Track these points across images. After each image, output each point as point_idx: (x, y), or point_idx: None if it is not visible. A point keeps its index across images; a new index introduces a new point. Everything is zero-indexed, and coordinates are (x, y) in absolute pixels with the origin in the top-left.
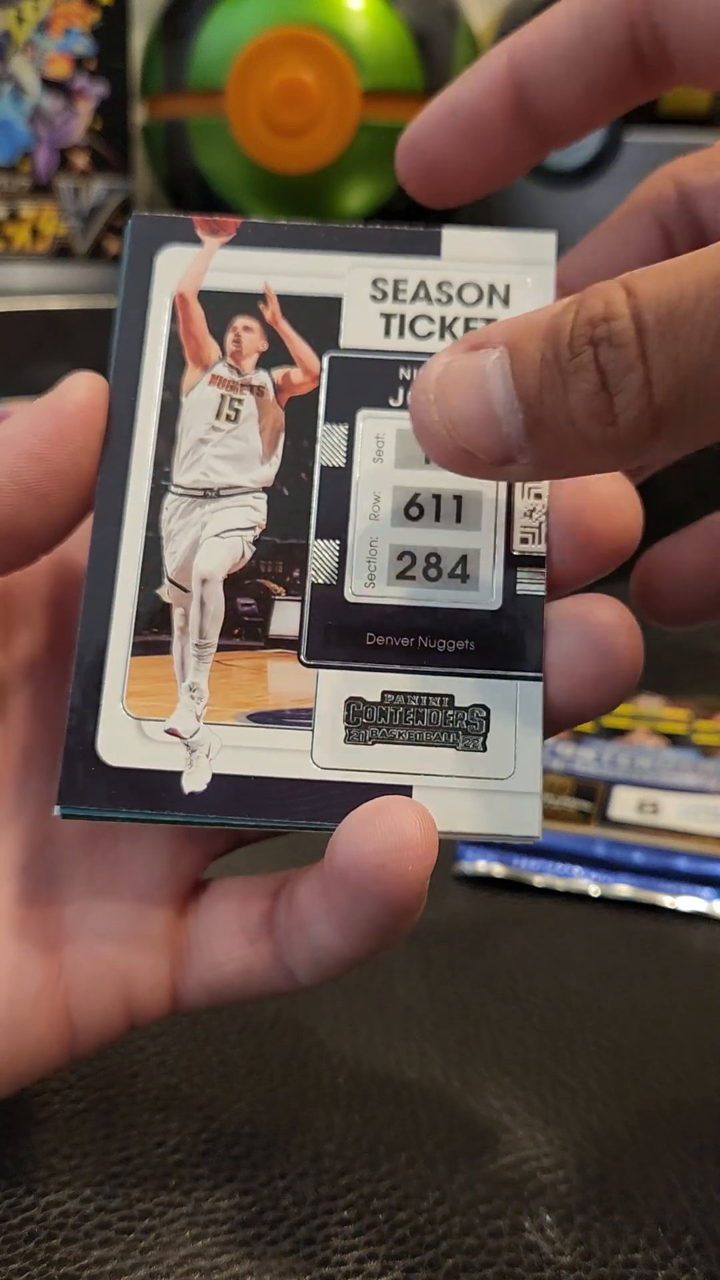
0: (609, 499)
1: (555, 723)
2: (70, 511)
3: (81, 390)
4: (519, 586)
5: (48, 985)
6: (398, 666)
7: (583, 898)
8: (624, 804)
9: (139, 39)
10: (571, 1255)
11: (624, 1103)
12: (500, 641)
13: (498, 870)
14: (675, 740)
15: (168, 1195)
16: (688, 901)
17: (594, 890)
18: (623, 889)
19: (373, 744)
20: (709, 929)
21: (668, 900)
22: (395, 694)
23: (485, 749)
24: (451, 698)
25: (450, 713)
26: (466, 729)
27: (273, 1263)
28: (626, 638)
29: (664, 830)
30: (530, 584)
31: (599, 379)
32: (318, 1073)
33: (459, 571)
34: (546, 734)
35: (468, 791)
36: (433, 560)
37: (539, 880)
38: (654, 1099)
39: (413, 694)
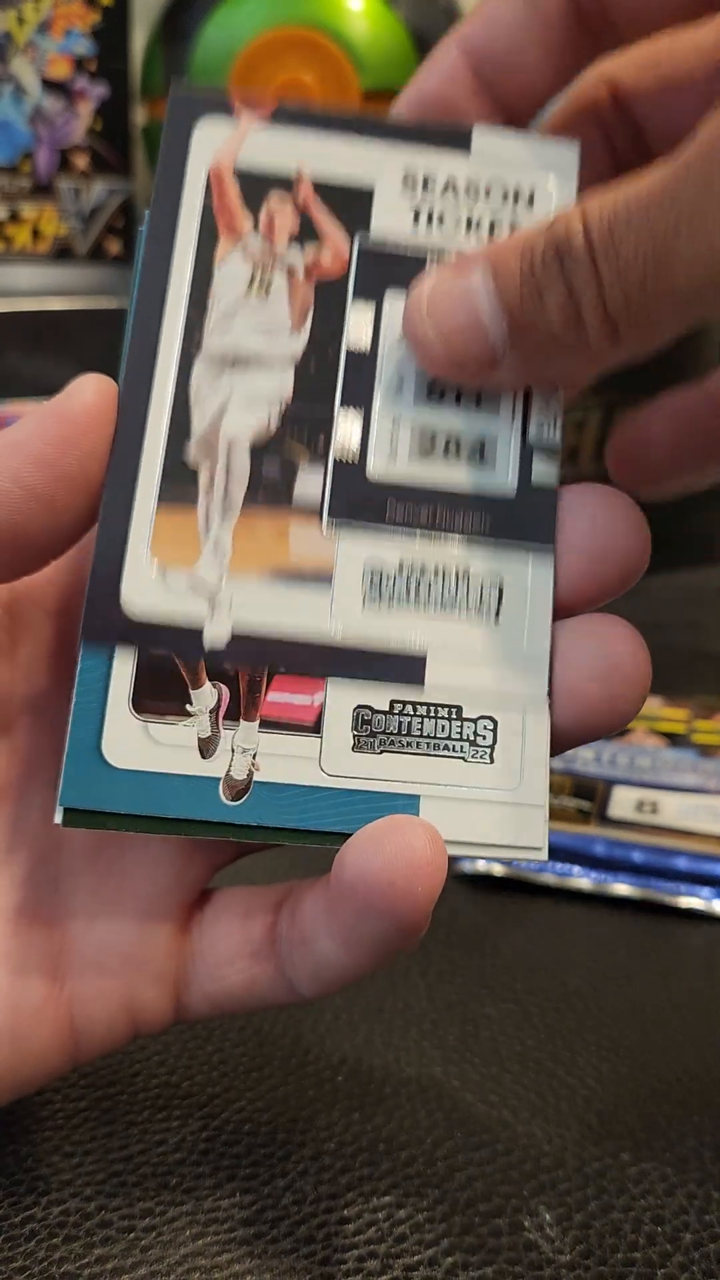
0: (620, 523)
1: (562, 742)
2: (77, 517)
3: (89, 393)
4: (534, 476)
5: (51, 995)
6: (414, 530)
7: (582, 897)
8: (623, 803)
9: (139, 40)
10: (571, 1254)
11: (623, 1101)
12: (513, 525)
13: (497, 869)
14: (674, 740)
15: (169, 1194)
16: (687, 901)
17: (593, 889)
18: (622, 888)
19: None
20: (708, 928)
21: (667, 899)
22: (404, 703)
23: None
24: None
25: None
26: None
27: (273, 1261)
28: (634, 661)
29: (663, 829)
30: (544, 475)
31: (566, 289)
32: (318, 1071)
33: (477, 454)
34: (553, 752)
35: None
36: (452, 442)
37: (538, 879)
38: (653, 1098)
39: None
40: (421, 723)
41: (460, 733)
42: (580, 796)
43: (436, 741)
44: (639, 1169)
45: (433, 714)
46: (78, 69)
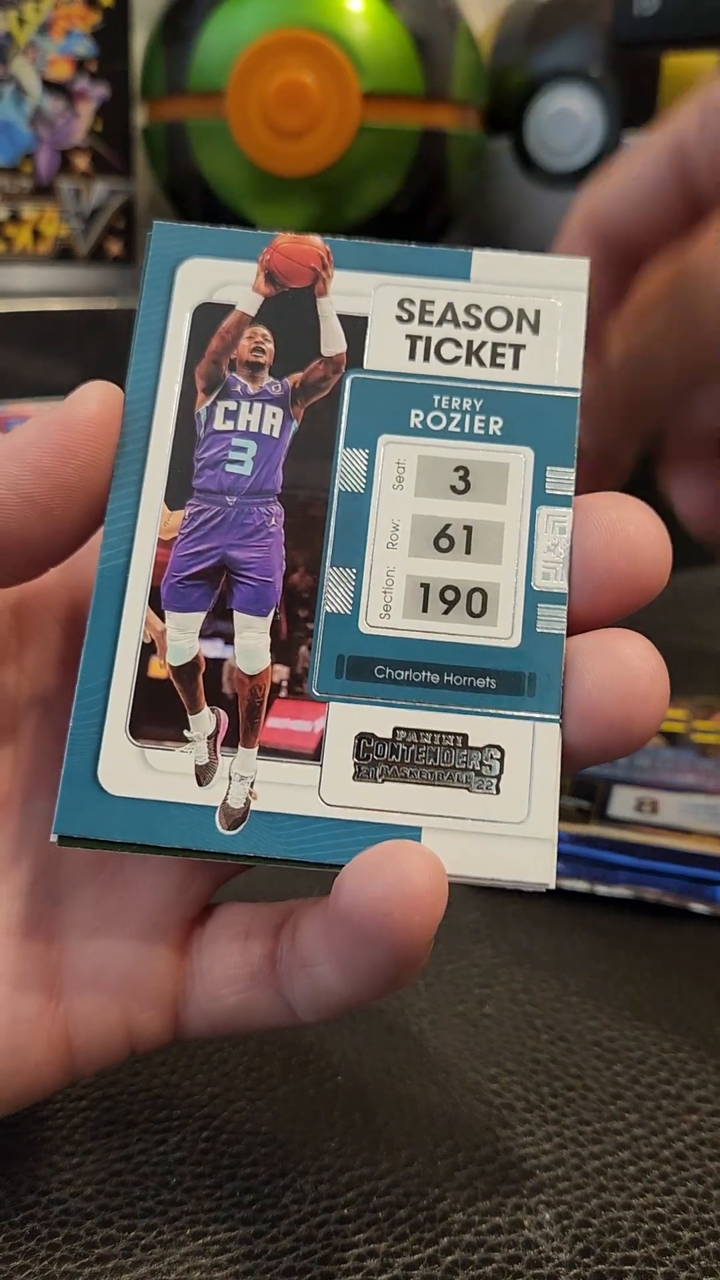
0: (637, 538)
1: (574, 764)
2: (77, 526)
3: (93, 403)
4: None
5: (48, 1010)
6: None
7: (581, 896)
8: (623, 802)
9: (140, 41)
10: (570, 1252)
11: (621, 1100)
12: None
13: None
14: (673, 739)
15: (169, 1193)
16: (687, 900)
17: (592, 889)
18: (621, 887)
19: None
20: (708, 927)
21: (667, 899)
22: (408, 730)
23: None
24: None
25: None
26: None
27: (273, 1260)
28: (650, 678)
29: (663, 828)
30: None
31: None
32: (318, 1071)
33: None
34: (566, 774)
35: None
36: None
37: None
38: (651, 1096)
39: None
40: (425, 751)
41: (466, 762)
42: (580, 796)
43: (440, 771)
44: (638, 1167)
45: (437, 742)
46: (78, 70)
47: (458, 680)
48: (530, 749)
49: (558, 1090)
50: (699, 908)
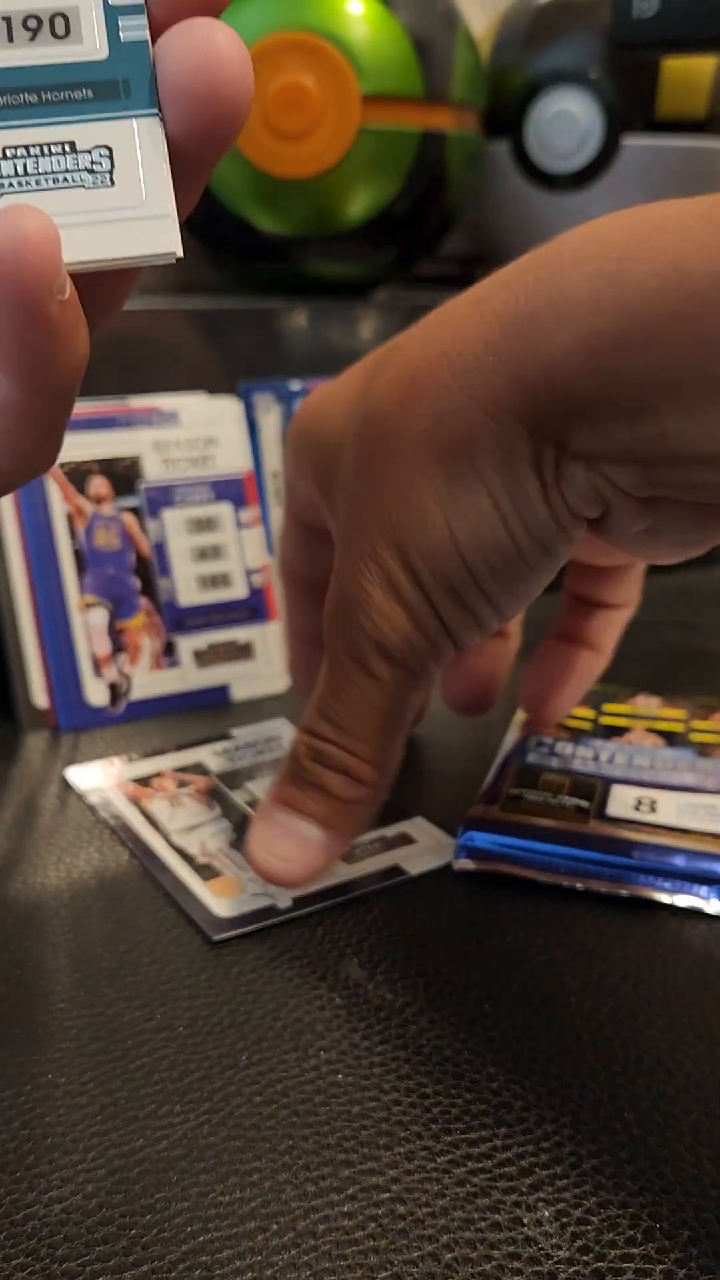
0: (217, 62)
1: (187, 157)
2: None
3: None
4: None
5: None
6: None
7: (580, 894)
8: (622, 802)
9: None
10: (569, 1249)
11: (619, 1098)
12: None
13: (496, 868)
14: (672, 739)
15: (169, 1190)
16: (685, 899)
17: (591, 887)
18: (620, 886)
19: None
20: (706, 926)
21: (665, 897)
22: (16, 146)
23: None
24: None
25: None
26: (92, 169)
27: (274, 1257)
28: (231, 49)
29: (662, 828)
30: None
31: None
32: (317, 1067)
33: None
34: (186, 169)
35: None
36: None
37: (536, 877)
38: (649, 1095)
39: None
40: (36, 162)
41: (77, 164)
42: (579, 795)
43: (54, 177)
44: (636, 1166)
45: (46, 153)
46: None
47: (55, 96)
48: (134, 141)
49: (556, 1089)
50: (698, 906)
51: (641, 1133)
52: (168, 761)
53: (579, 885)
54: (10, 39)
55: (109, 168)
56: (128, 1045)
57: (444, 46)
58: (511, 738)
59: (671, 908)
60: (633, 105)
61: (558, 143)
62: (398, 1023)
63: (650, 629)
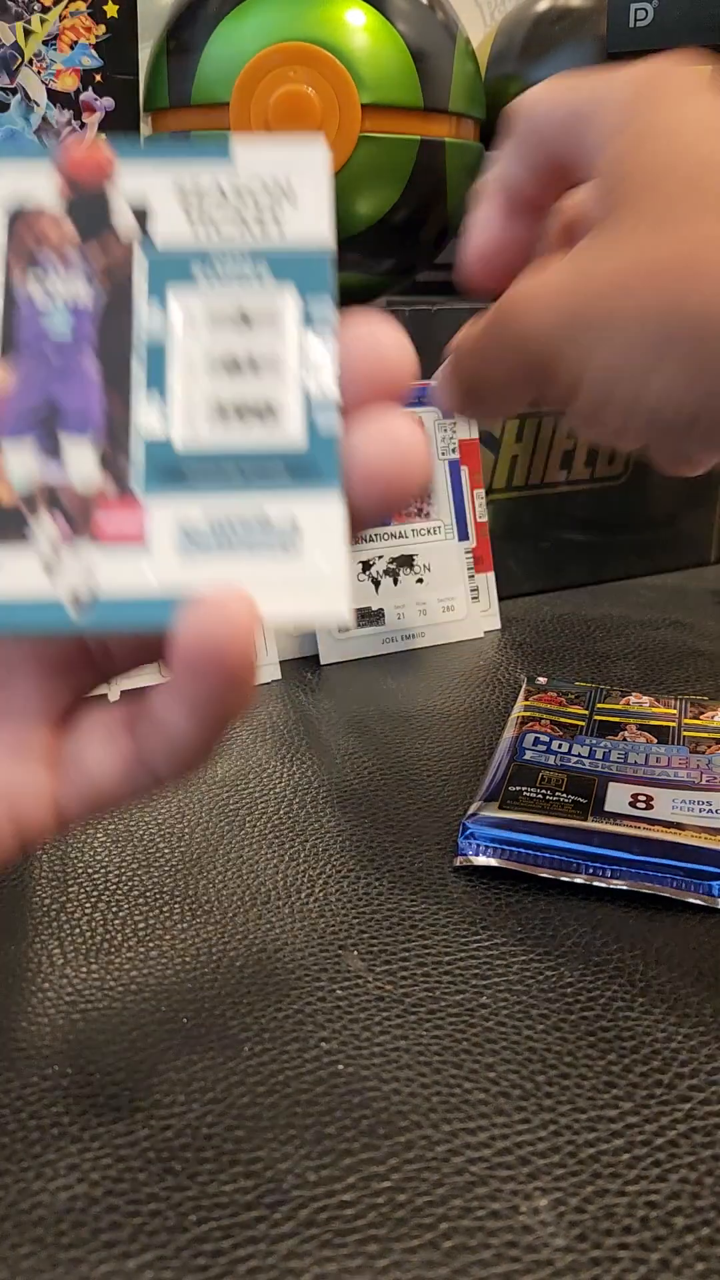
0: (386, 343)
1: (361, 523)
2: None
3: None
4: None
5: None
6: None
7: (578, 889)
8: (618, 798)
9: (145, 53)
10: (566, 1238)
11: (615, 1089)
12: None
13: (495, 863)
14: (665, 737)
15: (173, 1179)
16: (679, 892)
17: (589, 882)
18: (617, 881)
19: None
20: (700, 919)
21: (661, 892)
22: (218, 516)
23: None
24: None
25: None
26: (281, 540)
27: (276, 1245)
28: (413, 440)
29: (657, 823)
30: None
31: (500, 350)
32: (318, 1058)
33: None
34: (357, 530)
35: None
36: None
37: (535, 872)
38: (646, 1085)
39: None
40: (235, 532)
41: (268, 536)
42: (576, 792)
43: (249, 545)
44: (632, 1155)
45: (245, 524)
46: (84, 81)
47: (257, 473)
48: (320, 517)
49: (553, 1079)
50: (692, 900)
51: (637, 1121)
52: None
53: (577, 879)
54: (223, 424)
55: (296, 540)
56: (133, 1038)
57: (443, 57)
58: (509, 735)
59: (668, 901)
60: None
61: None
62: (397, 1013)
63: (642, 628)
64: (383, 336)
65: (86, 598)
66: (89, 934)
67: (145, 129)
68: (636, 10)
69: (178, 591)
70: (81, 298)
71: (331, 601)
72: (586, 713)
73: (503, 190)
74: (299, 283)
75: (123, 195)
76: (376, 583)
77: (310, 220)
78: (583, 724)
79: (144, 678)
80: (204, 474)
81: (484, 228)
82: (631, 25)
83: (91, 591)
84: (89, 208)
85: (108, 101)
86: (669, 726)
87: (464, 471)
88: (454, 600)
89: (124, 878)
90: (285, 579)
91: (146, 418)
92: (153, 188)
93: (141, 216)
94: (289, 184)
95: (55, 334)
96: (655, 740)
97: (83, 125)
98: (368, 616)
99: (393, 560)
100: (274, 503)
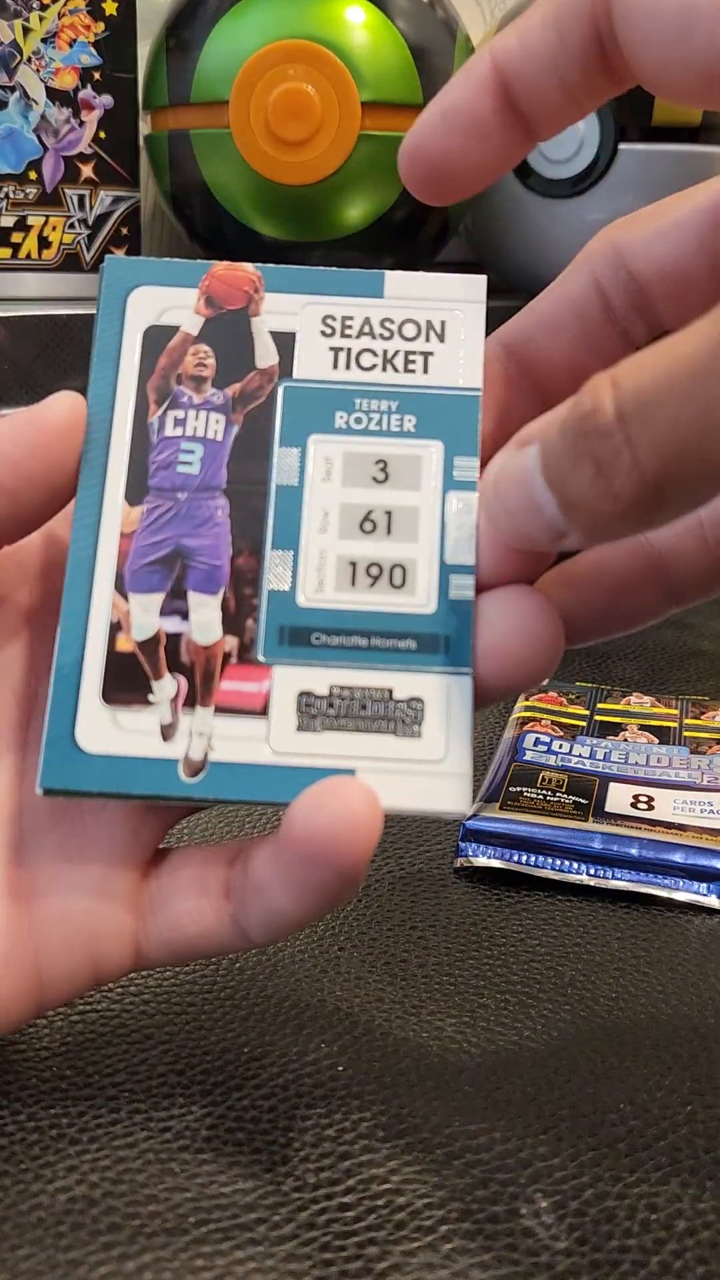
0: (532, 630)
1: (485, 701)
2: (37, 511)
3: (63, 409)
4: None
5: (18, 944)
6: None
7: (579, 890)
8: (619, 799)
9: (144, 51)
10: (567, 1241)
11: (618, 1091)
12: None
13: (496, 864)
14: (666, 737)
15: (172, 1180)
16: (681, 894)
17: (590, 883)
18: (619, 882)
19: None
20: (703, 920)
21: (663, 893)
22: (342, 687)
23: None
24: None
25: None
26: (404, 718)
27: (275, 1248)
28: (548, 622)
29: (659, 824)
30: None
31: (594, 466)
32: (318, 1060)
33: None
34: (479, 706)
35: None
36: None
37: (537, 873)
38: (646, 1087)
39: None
40: (357, 704)
41: (392, 712)
42: (577, 792)
43: (371, 720)
44: (633, 1157)
45: (367, 697)
46: (83, 79)
47: (383, 643)
48: (446, 698)
49: (554, 1081)
50: (693, 901)
51: (639, 1124)
52: None
53: (578, 881)
54: (353, 583)
55: (419, 719)
56: (133, 1039)
57: (443, 54)
58: (509, 735)
59: (670, 903)
60: (629, 113)
61: (554, 149)
62: (397, 1015)
63: (644, 629)
64: (522, 618)
65: (200, 763)
66: None
67: (144, 127)
68: None
69: (294, 765)
70: (215, 433)
71: (452, 796)
72: (587, 713)
73: (524, 57)
74: (443, 433)
75: (266, 325)
76: None
77: (460, 363)
78: (583, 724)
79: None
80: (330, 639)
81: (467, 97)
82: None
83: (205, 757)
84: (228, 333)
85: (106, 99)
86: (670, 727)
87: None
88: None
89: None
90: (405, 761)
91: (275, 572)
92: (299, 319)
93: (285, 350)
94: (440, 322)
95: (185, 471)
96: (656, 741)
97: (81, 124)
98: None
99: None
100: (400, 677)
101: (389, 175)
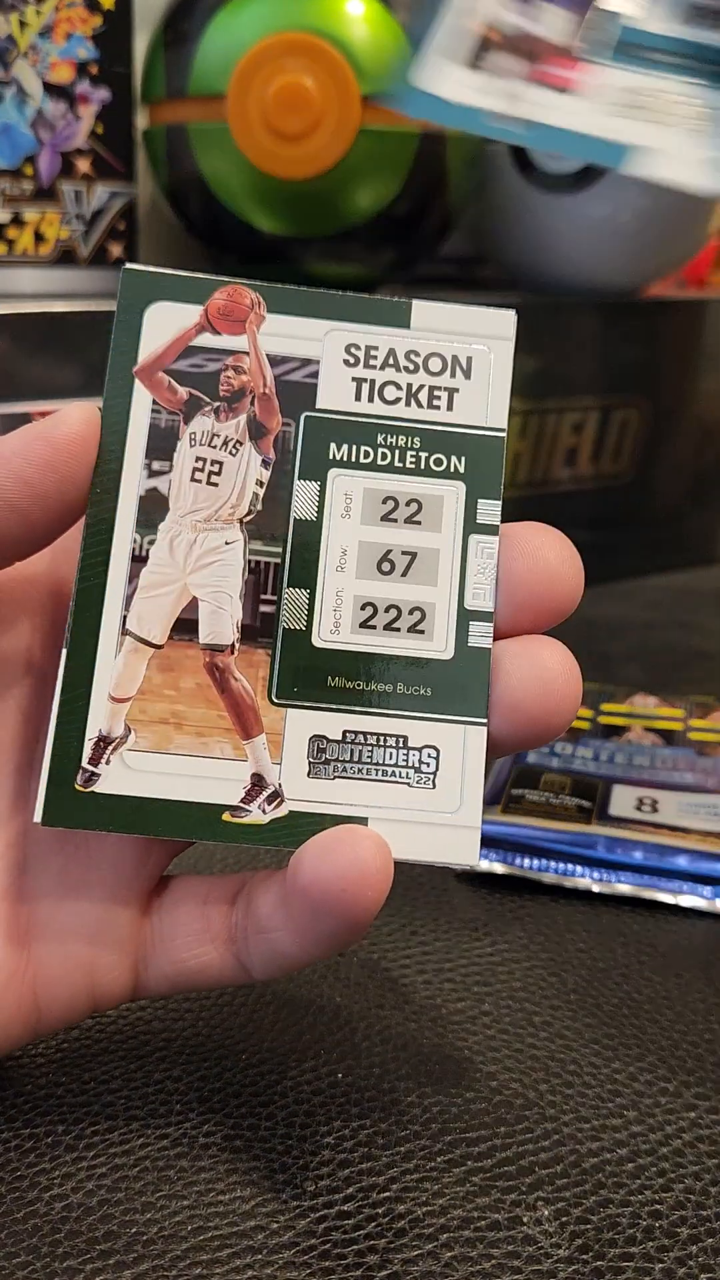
0: (555, 563)
1: (498, 753)
2: (49, 529)
3: (75, 423)
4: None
5: (16, 973)
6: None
7: (582, 894)
8: (623, 801)
9: (141, 44)
10: (568, 1248)
11: (620, 1097)
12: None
13: (498, 868)
14: (671, 738)
15: (170, 1188)
16: (687, 899)
17: (594, 887)
18: (623, 886)
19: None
20: (707, 925)
21: (667, 897)
22: (355, 733)
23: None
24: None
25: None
26: (418, 767)
27: (274, 1255)
28: (567, 678)
29: (663, 827)
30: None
31: None
32: (316, 1068)
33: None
34: (492, 758)
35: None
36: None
37: (539, 877)
38: (649, 1094)
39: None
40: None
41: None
42: (580, 795)
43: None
44: (636, 1164)
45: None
46: (80, 73)
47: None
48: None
49: (556, 1087)
50: (698, 905)
51: (642, 1130)
52: None
53: (582, 885)
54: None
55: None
56: (129, 1046)
57: None
58: None
59: (674, 907)
60: None
61: None
62: (397, 1021)
63: (647, 629)
64: (550, 555)
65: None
66: None
67: (141, 121)
68: None
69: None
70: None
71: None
72: (591, 714)
73: None
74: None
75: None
76: None
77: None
78: (587, 725)
79: None
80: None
81: None
82: None
83: None
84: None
85: (103, 93)
86: (675, 729)
87: None
88: None
89: None
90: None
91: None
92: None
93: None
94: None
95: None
96: (661, 742)
97: (78, 118)
98: None
99: None
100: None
101: (389, 169)
